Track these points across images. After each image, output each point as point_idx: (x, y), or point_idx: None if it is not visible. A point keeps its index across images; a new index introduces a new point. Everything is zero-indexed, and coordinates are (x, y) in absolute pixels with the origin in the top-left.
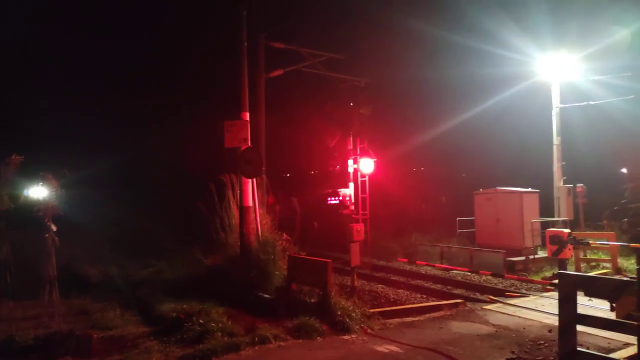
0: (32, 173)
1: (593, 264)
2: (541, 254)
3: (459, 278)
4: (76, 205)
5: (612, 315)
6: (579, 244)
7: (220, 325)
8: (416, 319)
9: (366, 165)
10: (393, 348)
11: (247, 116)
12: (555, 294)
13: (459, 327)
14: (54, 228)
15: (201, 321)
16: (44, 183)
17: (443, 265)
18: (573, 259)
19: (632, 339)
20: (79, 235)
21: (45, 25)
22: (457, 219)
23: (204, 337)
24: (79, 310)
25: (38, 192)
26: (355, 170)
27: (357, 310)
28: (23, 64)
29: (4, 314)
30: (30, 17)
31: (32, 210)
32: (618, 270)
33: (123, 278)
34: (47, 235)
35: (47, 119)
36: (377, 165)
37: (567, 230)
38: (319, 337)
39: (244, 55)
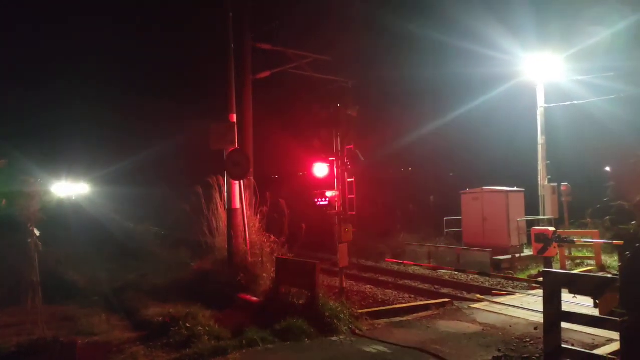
0: (17, 177)
1: (578, 261)
2: (527, 252)
3: (447, 277)
4: (60, 209)
5: (596, 312)
6: (564, 242)
7: (207, 329)
8: (404, 318)
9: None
10: (381, 348)
11: (234, 118)
12: (541, 292)
13: (446, 326)
14: (37, 233)
15: (188, 325)
16: (28, 187)
17: (431, 265)
18: (558, 256)
19: (615, 335)
20: (64, 239)
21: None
22: (445, 218)
23: (190, 342)
24: (64, 316)
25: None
26: (343, 171)
27: (345, 312)
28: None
29: None
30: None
31: (15, 215)
32: (602, 267)
33: (109, 282)
34: (29, 240)
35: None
36: (365, 166)
37: (552, 229)
38: (307, 339)
39: (230, 57)
